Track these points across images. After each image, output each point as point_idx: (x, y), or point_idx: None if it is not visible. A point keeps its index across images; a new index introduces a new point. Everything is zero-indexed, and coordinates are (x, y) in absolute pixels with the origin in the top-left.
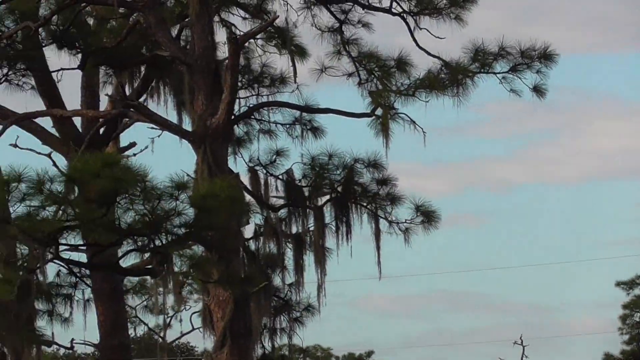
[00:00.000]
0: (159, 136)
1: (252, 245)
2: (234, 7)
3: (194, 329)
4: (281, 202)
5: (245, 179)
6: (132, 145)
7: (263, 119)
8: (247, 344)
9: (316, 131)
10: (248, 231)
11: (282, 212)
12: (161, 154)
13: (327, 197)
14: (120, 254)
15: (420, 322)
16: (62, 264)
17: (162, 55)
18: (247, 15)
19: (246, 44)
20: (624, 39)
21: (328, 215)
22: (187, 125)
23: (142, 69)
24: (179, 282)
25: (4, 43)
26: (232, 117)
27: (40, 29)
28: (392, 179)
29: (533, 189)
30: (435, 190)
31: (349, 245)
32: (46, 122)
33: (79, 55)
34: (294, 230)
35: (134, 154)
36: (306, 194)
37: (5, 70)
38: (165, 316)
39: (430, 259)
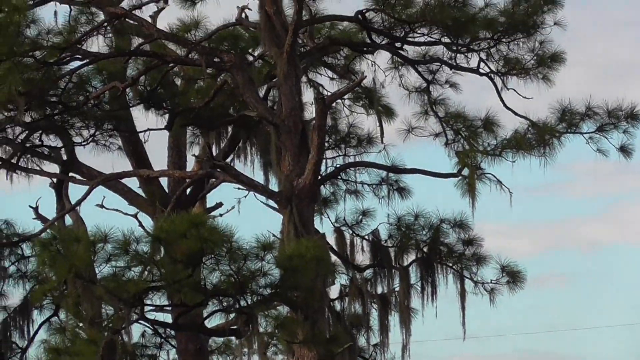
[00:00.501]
0: (245, 196)
1: (338, 306)
2: (321, 68)
3: None
4: (367, 262)
5: (331, 239)
6: (219, 205)
7: (349, 179)
8: None
9: (402, 191)
10: (333, 291)
11: (368, 273)
12: (247, 214)
13: (413, 257)
14: (205, 315)
15: None
16: (147, 325)
17: (249, 116)
18: (334, 76)
19: (334, 104)
20: None
21: (414, 275)
22: (274, 186)
23: (230, 129)
24: (264, 343)
25: (92, 103)
26: (319, 177)
27: (127, 90)
28: (478, 239)
29: (621, 249)
30: (521, 250)
31: (434, 305)
32: (133, 183)
33: (166, 116)
34: (379, 290)
35: (221, 215)
36: (392, 254)
37: (92, 131)
38: None
39: (515, 319)
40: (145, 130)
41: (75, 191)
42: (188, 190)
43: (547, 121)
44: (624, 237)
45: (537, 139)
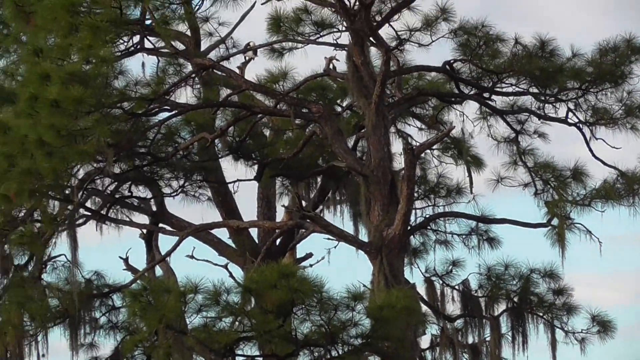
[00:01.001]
0: (335, 247)
1: (429, 356)
2: (410, 118)
3: None
4: (457, 312)
5: (421, 289)
6: (309, 256)
7: (439, 229)
8: None
9: (492, 241)
10: (424, 341)
11: (459, 323)
12: (337, 265)
13: (504, 307)
14: None
15: None
16: None
17: (338, 166)
18: (423, 126)
19: (422, 155)
20: None
21: (504, 325)
22: (364, 236)
23: (319, 179)
24: None
25: (181, 154)
26: (409, 227)
27: (216, 140)
28: (568, 288)
29: None
30: (611, 299)
31: (525, 355)
32: (222, 233)
33: (255, 167)
34: (470, 340)
35: (311, 265)
36: (482, 304)
37: (181, 182)
38: None
39: None
40: (234, 181)
41: (165, 242)
42: (278, 241)
43: (636, 171)
44: None
45: (626, 188)
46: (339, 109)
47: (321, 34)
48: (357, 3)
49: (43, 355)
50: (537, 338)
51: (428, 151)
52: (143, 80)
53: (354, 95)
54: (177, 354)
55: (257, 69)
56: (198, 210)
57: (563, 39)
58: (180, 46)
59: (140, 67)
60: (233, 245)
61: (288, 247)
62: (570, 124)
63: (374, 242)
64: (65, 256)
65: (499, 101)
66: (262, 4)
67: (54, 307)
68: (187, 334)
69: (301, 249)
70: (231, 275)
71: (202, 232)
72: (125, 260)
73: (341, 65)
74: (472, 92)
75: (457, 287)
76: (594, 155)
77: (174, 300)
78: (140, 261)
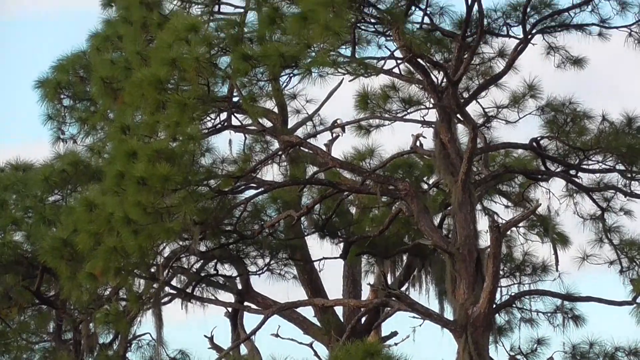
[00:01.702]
0: (420, 325)
1: None
2: (496, 195)
3: None
4: None
5: None
6: (394, 334)
7: (524, 307)
8: None
9: (577, 319)
10: None
11: None
12: (422, 343)
13: None
14: None
15: None
16: None
17: (424, 244)
18: (509, 203)
19: (508, 232)
20: None
21: None
22: (449, 314)
23: (404, 257)
24: None
25: (267, 232)
26: (494, 306)
27: (302, 218)
28: None
29: None
30: None
31: None
32: (307, 312)
33: (341, 244)
34: None
35: (396, 343)
36: None
37: (267, 260)
38: None
39: None
40: (320, 259)
41: (250, 320)
42: (363, 319)
43: None
44: None
45: None
46: (425, 186)
47: (408, 110)
48: (445, 80)
49: None
50: None
51: (514, 229)
52: (230, 158)
53: (440, 173)
54: None
55: (344, 146)
56: (283, 288)
57: None
58: (267, 123)
59: (227, 144)
60: (318, 324)
61: (373, 326)
62: None
63: (459, 320)
64: (150, 335)
65: (585, 178)
66: (349, 81)
67: None
68: None
69: (386, 327)
70: (316, 354)
71: (287, 311)
72: (211, 339)
73: (428, 142)
74: (558, 169)
75: None
76: None
77: None
78: (225, 340)
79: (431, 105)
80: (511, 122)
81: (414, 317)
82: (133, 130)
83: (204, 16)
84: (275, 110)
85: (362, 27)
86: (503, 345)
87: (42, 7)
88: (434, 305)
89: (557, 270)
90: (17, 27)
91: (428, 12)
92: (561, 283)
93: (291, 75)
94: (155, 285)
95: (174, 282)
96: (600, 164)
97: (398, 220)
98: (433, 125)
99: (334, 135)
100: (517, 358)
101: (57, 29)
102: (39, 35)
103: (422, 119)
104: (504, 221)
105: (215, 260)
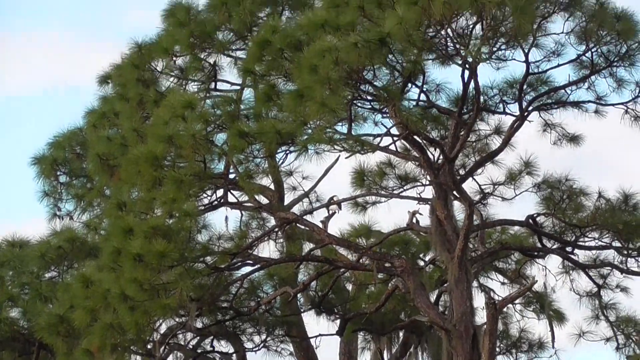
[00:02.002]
0: None
1: None
2: (492, 272)
3: None
4: None
5: None
6: None
7: None
8: None
9: None
10: None
11: None
12: None
13: None
14: None
15: None
16: None
17: (420, 321)
18: (505, 280)
19: (505, 309)
20: None
21: None
22: None
23: (401, 334)
24: None
25: (263, 309)
26: None
27: (298, 295)
28: None
29: None
30: None
31: None
32: None
33: (338, 321)
34: None
35: None
36: None
37: (264, 336)
38: None
39: None
40: (316, 336)
41: None
42: None
43: None
44: None
45: None
46: (421, 263)
47: (405, 187)
48: (441, 157)
49: None
50: None
51: (510, 305)
52: (226, 234)
53: (437, 249)
54: None
55: (341, 223)
56: None
57: None
58: (264, 200)
59: (223, 220)
60: None
61: None
62: None
63: None
64: None
65: (581, 255)
66: (346, 158)
67: None
68: None
69: None
70: None
71: None
72: None
73: (424, 219)
74: (555, 246)
75: None
76: None
77: None
78: None
79: (427, 182)
80: (507, 199)
81: None
82: (129, 206)
83: (200, 93)
84: (272, 187)
85: (359, 104)
86: None
87: (37, 83)
88: None
89: (553, 347)
90: (11, 103)
91: (424, 89)
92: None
93: (288, 152)
94: None
95: (170, 359)
96: (596, 240)
97: (394, 297)
98: (429, 202)
99: (331, 212)
100: None
101: (52, 104)
102: (34, 110)
103: (418, 196)
104: (500, 298)
105: (212, 337)
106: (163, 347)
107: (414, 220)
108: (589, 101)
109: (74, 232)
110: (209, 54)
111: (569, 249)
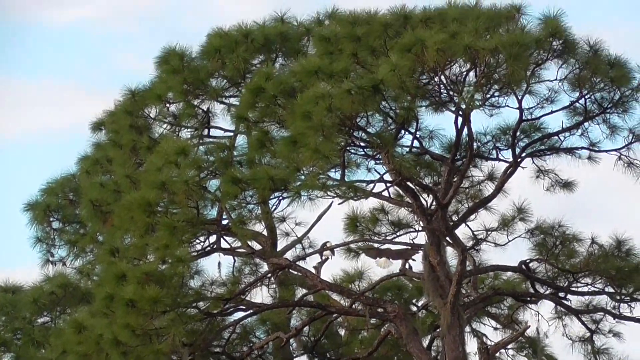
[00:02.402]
0: None
1: None
2: (485, 317)
3: None
4: None
5: None
6: None
7: None
8: None
9: None
10: None
11: None
12: None
13: None
14: None
15: None
16: None
17: None
18: (498, 326)
19: (497, 354)
20: None
21: None
22: None
23: None
24: None
25: (256, 354)
26: None
27: (291, 340)
28: None
29: None
30: None
31: None
32: None
33: None
34: None
35: None
36: None
37: None
38: None
39: None
40: None
41: None
42: None
43: None
44: None
45: None
46: (414, 308)
47: (398, 233)
48: (434, 203)
49: None
50: None
51: (503, 350)
52: (219, 280)
53: (429, 295)
54: None
55: (333, 269)
56: None
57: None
58: (256, 246)
59: (216, 266)
60: None
61: None
62: None
63: None
64: None
65: (574, 300)
66: (339, 204)
67: None
68: None
69: None
70: None
71: None
72: None
73: (417, 265)
74: (547, 292)
75: None
76: None
77: None
78: None
79: (420, 228)
80: (500, 245)
81: None
82: (122, 252)
83: (193, 139)
84: (265, 232)
85: (352, 151)
86: None
87: (28, 129)
88: None
89: None
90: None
91: (417, 135)
92: None
93: (281, 198)
94: None
95: None
96: (589, 286)
97: (387, 342)
98: (422, 248)
99: (324, 257)
100: None
101: (44, 151)
102: (26, 156)
103: (411, 242)
104: (493, 343)
105: None
106: None
107: (407, 266)
108: (582, 147)
109: (67, 277)
110: (202, 100)
111: (561, 294)
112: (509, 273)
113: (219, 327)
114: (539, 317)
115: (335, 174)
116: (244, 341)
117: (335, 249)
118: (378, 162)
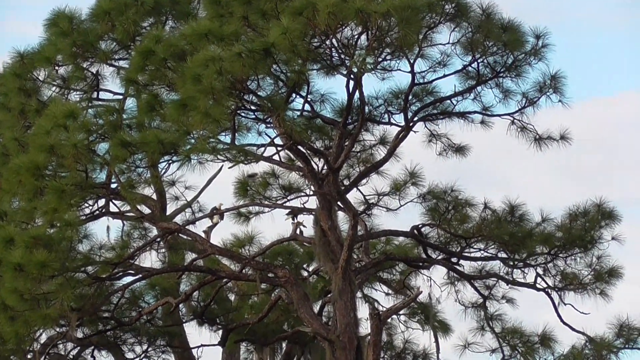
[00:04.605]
0: None
1: None
2: (377, 283)
3: None
4: None
5: None
6: None
7: None
8: None
9: None
10: None
11: None
12: None
13: None
14: None
15: None
16: None
17: (304, 332)
18: (390, 291)
19: (389, 320)
20: None
21: None
22: None
23: (284, 345)
24: None
25: (144, 319)
26: None
27: (181, 305)
28: None
29: None
30: None
31: None
32: None
33: (220, 332)
34: None
35: None
36: None
37: (145, 347)
38: None
39: None
40: (198, 346)
41: None
42: None
43: (605, 337)
44: None
45: (595, 354)
46: (305, 273)
47: (288, 197)
48: (325, 167)
49: None
50: None
51: (395, 316)
52: (108, 244)
53: (320, 260)
54: None
55: (223, 233)
56: None
57: (533, 203)
58: (146, 210)
59: (105, 230)
60: None
61: None
62: (538, 289)
63: None
64: None
65: (467, 266)
66: (229, 168)
67: None
68: None
69: None
70: None
71: None
72: None
73: (308, 230)
74: (440, 257)
75: None
76: (562, 321)
77: None
78: None
79: (311, 193)
80: (392, 210)
81: None
82: (10, 216)
83: (82, 103)
84: (154, 197)
85: (242, 114)
86: None
87: None
88: None
89: (438, 358)
90: None
91: (309, 99)
92: None
93: (170, 161)
94: None
95: None
96: (482, 251)
97: (278, 308)
98: (313, 213)
99: (213, 222)
100: None
101: None
102: None
103: (302, 206)
104: (384, 309)
105: (93, 347)
106: (43, 357)
107: (298, 231)
108: (475, 112)
109: None
110: (92, 63)
111: (454, 259)
112: (401, 238)
113: (107, 292)
114: (431, 282)
115: (226, 138)
116: (133, 306)
117: (225, 214)
118: (269, 125)
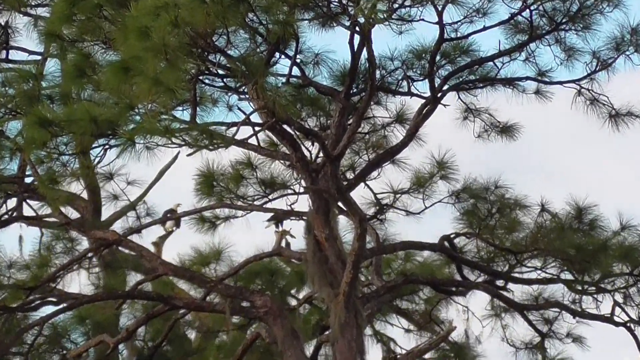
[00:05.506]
0: None
1: None
2: (393, 315)
3: None
4: None
5: None
6: None
7: None
8: None
9: None
10: None
11: None
12: None
13: None
14: None
15: None
16: None
17: None
18: (411, 327)
19: None
20: None
21: None
22: None
23: None
24: None
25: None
26: None
27: (120, 346)
28: None
29: None
30: None
31: None
32: None
33: None
34: None
35: None
36: None
37: None
38: None
39: None
40: None
41: None
42: None
43: None
44: None
45: None
46: (293, 302)
47: (270, 196)
48: (321, 155)
49: None
50: None
51: None
52: (20, 261)
53: (314, 283)
54: None
55: (180, 246)
56: None
57: (608, 205)
58: (73, 213)
59: (16, 241)
60: None
61: None
62: (617, 324)
63: None
64: None
65: (517, 291)
66: (187, 155)
67: None
68: None
69: None
70: None
71: None
72: None
73: (298, 241)
74: (480, 279)
75: None
76: None
77: None
78: None
79: (302, 190)
80: (414, 214)
81: None
82: None
83: None
84: (85, 195)
85: (207, 81)
86: None
87: None
88: None
89: None
90: None
91: (298, 60)
92: None
93: (107, 147)
94: None
95: None
96: (538, 271)
97: (255, 349)
98: (304, 218)
99: (167, 230)
100: None
101: None
102: None
103: (289, 209)
104: (403, 351)
105: None
106: None
107: (283, 243)
108: (528, 78)
109: None
110: (0, 12)
111: (500, 282)
112: (426, 253)
113: (19, 327)
114: (468, 314)
115: (184, 114)
116: (54, 347)
117: (182, 219)
118: (243, 97)
